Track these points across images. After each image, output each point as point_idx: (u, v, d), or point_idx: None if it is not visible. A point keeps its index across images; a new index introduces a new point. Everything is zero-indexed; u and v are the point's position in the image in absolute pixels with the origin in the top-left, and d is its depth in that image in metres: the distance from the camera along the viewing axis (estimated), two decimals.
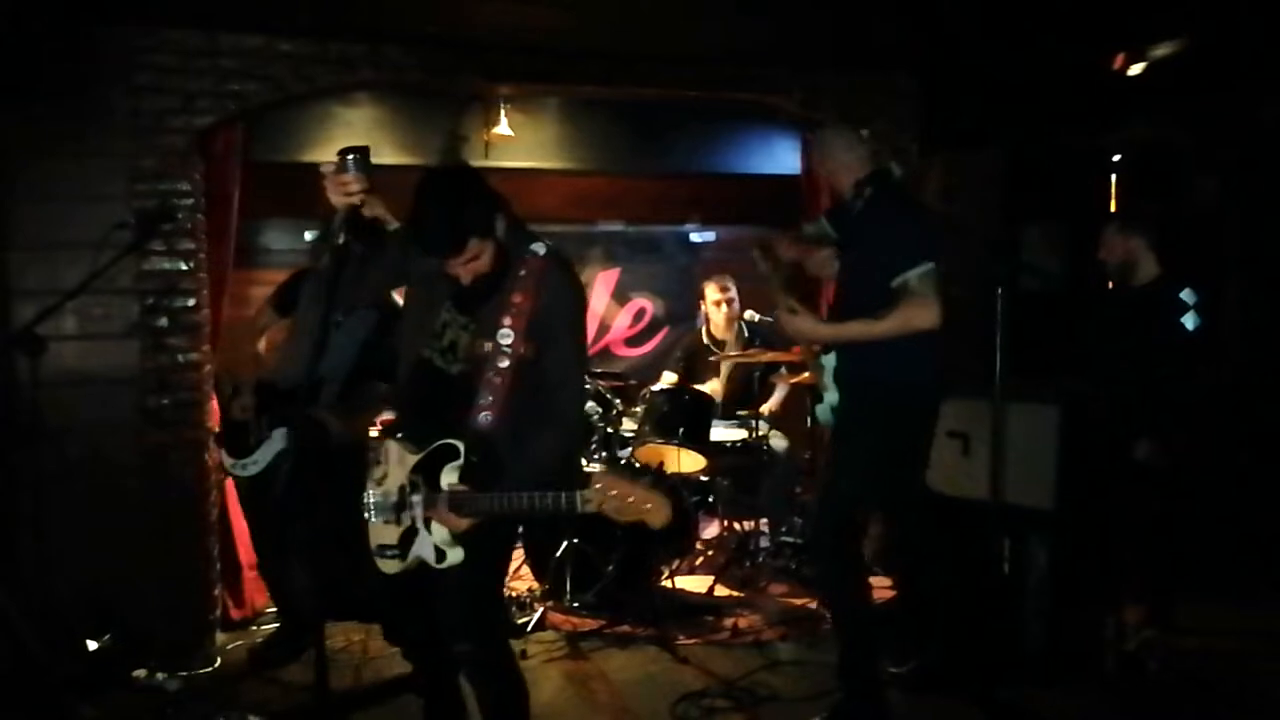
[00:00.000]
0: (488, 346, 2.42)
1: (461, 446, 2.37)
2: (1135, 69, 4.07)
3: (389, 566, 2.51)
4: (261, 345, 4.09)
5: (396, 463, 2.51)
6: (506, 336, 2.39)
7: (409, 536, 2.45)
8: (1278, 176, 4.59)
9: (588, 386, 4.74)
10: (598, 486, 2.17)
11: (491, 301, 2.45)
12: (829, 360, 3.35)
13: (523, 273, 2.42)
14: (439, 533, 2.40)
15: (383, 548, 2.52)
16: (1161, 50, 3.93)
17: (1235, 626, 4.18)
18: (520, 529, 4.48)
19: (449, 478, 2.37)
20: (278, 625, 4.11)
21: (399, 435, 2.54)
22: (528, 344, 2.40)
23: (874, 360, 3.06)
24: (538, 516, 2.50)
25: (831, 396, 3.32)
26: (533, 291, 2.40)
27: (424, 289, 2.60)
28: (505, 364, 2.39)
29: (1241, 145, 4.67)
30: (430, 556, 2.41)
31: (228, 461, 3.80)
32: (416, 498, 2.42)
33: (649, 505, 2.14)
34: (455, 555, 2.40)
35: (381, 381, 3.66)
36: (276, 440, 3.70)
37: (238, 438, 3.77)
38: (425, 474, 2.42)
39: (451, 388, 2.48)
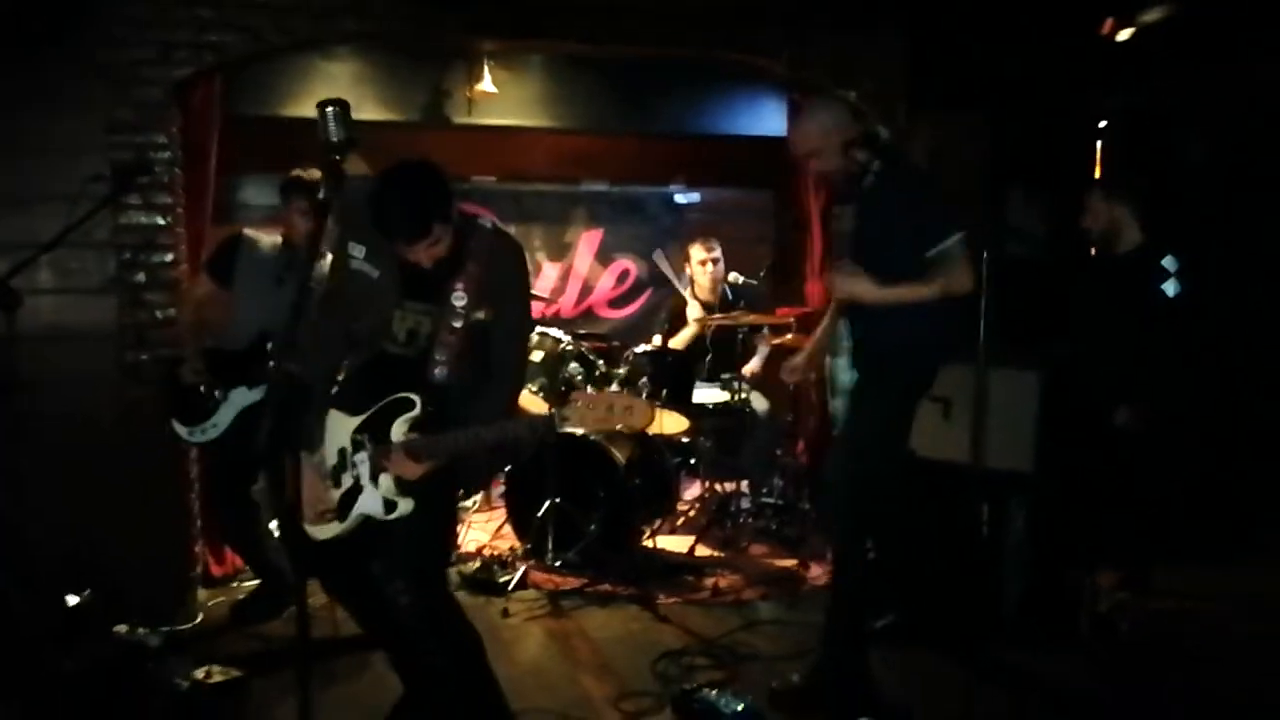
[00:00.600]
0: (442, 311, 2.53)
1: (416, 398, 2.48)
2: (1124, 34, 4.04)
3: (325, 532, 2.56)
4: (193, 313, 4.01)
5: (332, 429, 2.59)
6: (460, 299, 2.52)
7: (349, 497, 2.52)
8: (1264, 143, 4.60)
9: (569, 346, 4.73)
10: (577, 404, 2.30)
11: (439, 274, 2.55)
12: (841, 364, 3.37)
13: (472, 243, 2.56)
14: (385, 484, 2.49)
15: (319, 515, 2.57)
16: (1151, 15, 3.91)
17: (1210, 590, 4.25)
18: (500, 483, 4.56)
19: (400, 429, 2.48)
20: (258, 581, 4.11)
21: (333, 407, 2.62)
22: (484, 307, 2.54)
23: (899, 327, 3.08)
24: (509, 446, 2.64)
25: (845, 379, 3.33)
26: (485, 259, 2.55)
27: (363, 304, 2.61)
28: (459, 324, 2.52)
29: (1228, 112, 4.67)
30: (378, 510, 2.50)
31: (181, 430, 3.77)
32: (360, 455, 2.52)
33: (629, 406, 2.27)
34: (405, 505, 2.49)
35: None
36: (234, 401, 3.73)
37: (189, 404, 3.75)
38: (372, 432, 2.52)
39: (408, 363, 2.57)
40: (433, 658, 2.66)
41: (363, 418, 2.54)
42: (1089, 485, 3.83)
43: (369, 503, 2.52)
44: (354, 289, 2.59)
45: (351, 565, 2.67)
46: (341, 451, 2.57)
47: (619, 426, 2.31)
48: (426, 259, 2.50)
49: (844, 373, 3.39)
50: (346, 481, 2.55)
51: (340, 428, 2.58)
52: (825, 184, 3.19)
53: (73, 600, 3.67)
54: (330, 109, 2.12)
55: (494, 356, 2.58)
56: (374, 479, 2.52)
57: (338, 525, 2.55)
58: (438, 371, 2.52)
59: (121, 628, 3.68)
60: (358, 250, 2.57)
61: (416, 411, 2.48)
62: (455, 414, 2.50)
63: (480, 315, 2.54)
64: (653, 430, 4.70)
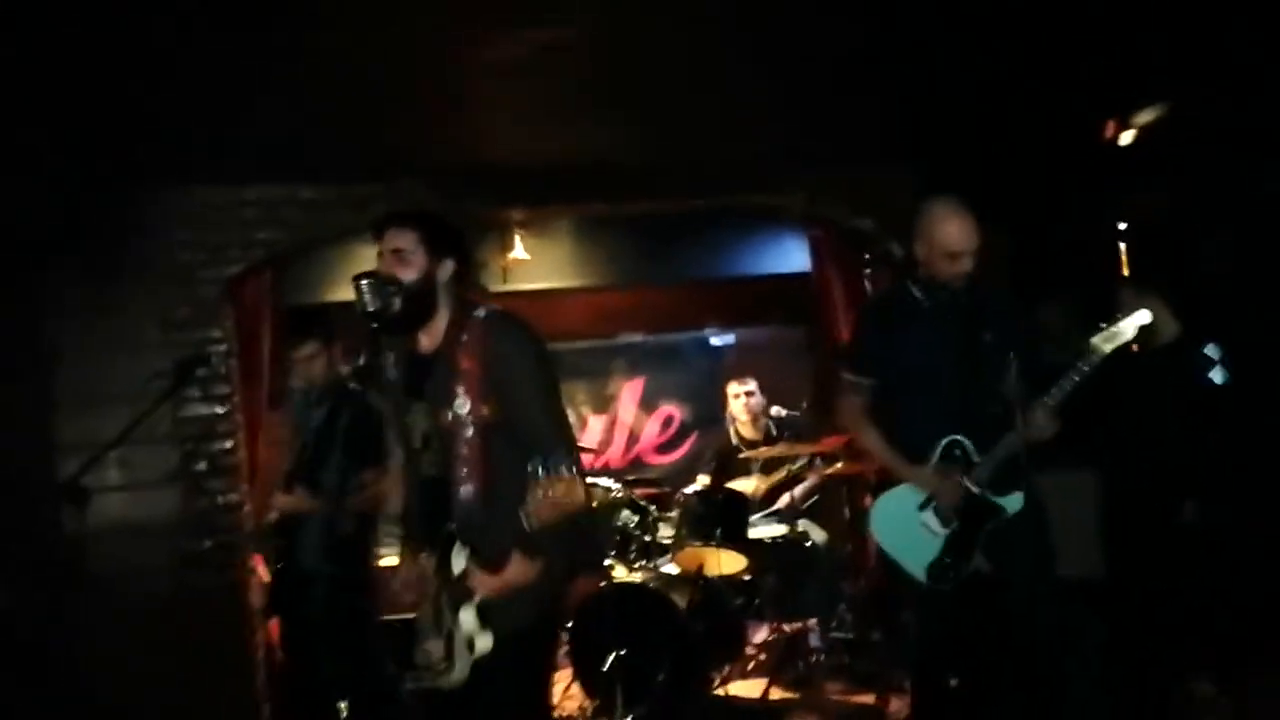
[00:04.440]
0: (448, 417, 2.39)
1: (454, 528, 2.36)
2: (1125, 137, 4.16)
3: (449, 679, 2.43)
4: None
5: (422, 577, 2.51)
6: (463, 405, 2.36)
7: (451, 641, 2.42)
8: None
9: (616, 487, 4.72)
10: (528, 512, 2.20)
11: (436, 372, 2.44)
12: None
13: (465, 338, 2.41)
14: (466, 621, 2.36)
15: (441, 664, 2.45)
16: (1146, 116, 4.03)
17: None
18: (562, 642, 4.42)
19: (459, 562, 2.37)
20: None
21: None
22: (484, 405, 2.36)
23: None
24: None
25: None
26: (478, 353, 2.38)
27: (390, 412, 2.61)
28: (470, 432, 2.36)
29: (1244, 204, 4.72)
30: (465, 651, 2.37)
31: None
32: (444, 598, 2.41)
33: (559, 487, 2.16)
34: (484, 641, 2.36)
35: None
36: None
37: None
38: (443, 574, 2.43)
39: (436, 492, 2.46)
40: None
41: (434, 559, 2.43)
42: (1166, 587, 3.70)
43: (462, 645, 2.38)
44: (388, 401, 2.55)
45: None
46: (435, 597, 2.46)
47: (561, 511, 2.19)
48: (394, 265, 2.38)
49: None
50: (446, 626, 2.43)
51: (425, 577, 2.48)
52: (959, 283, 3.15)
53: None
54: (365, 281, 2.26)
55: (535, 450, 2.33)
56: (457, 619, 2.38)
57: (454, 674, 2.41)
58: (463, 491, 2.37)
59: None
60: (389, 359, 2.51)
61: (458, 544, 2.36)
62: (503, 532, 2.31)
63: (485, 412, 2.35)
64: (711, 571, 4.66)
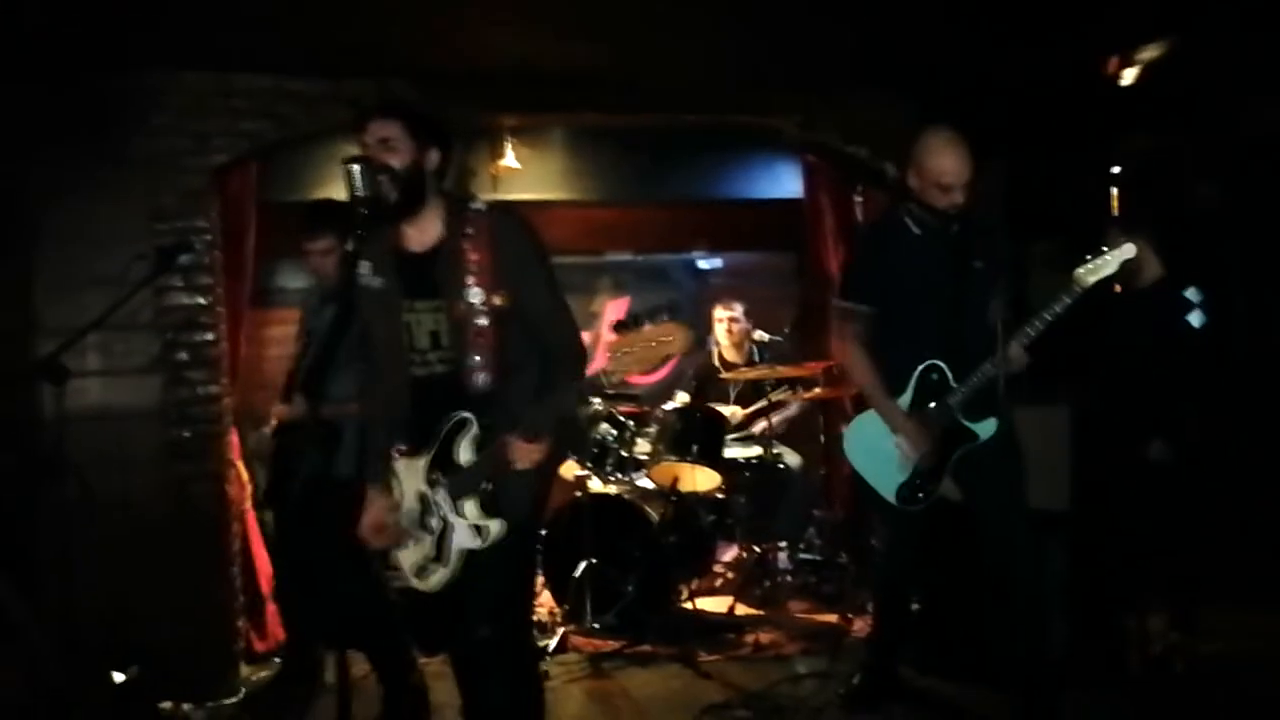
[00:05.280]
0: (461, 307, 2.41)
1: (469, 415, 2.39)
2: (1128, 75, 4.13)
3: (435, 579, 2.48)
4: None
5: (407, 477, 2.54)
6: (477, 295, 2.40)
7: (443, 538, 2.45)
8: (1273, 181, 4.63)
9: (595, 401, 4.73)
10: (617, 354, 2.29)
11: (441, 266, 2.44)
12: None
13: (470, 230, 2.43)
14: (471, 511, 2.40)
15: (422, 567, 2.51)
16: (1149, 52, 3.99)
17: (1257, 629, 4.14)
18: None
19: (466, 453, 2.40)
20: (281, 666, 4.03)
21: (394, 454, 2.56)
22: (500, 294, 2.41)
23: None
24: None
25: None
26: (487, 244, 2.41)
27: (377, 318, 2.55)
28: (484, 321, 2.40)
29: (1240, 149, 4.72)
30: (470, 541, 2.41)
31: None
32: (439, 493, 2.44)
33: (666, 334, 2.22)
34: (495, 526, 2.39)
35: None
36: None
37: None
38: (444, 467, 2.44)
39: (446, 382, 2.46)
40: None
41: (429, 456, 2.45)
42: (1129, 523, 3.79)
43: (462, 537, 2.42)
44: (367, 309, 2.53)
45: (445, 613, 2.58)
46: (421, 496, 2.49)
47: (665, 355, 2.24)
48: (378, 150, 2.36)
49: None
50: (435, 524, 2.46)
51: (411, 472, 2.51)
52: (951, 211, 3.15)
53: (119, 677, 3.71)
54: (355, 165, 2.23)
55: (548, 341, 2.47)
56: (458, 511, 2.42)
57: (444, 570, 2.46)
58: (479, 379, 2.41)
59: (166, 704, 3.73)
60: (364, 266, 2.48)
61: (475, 431, 2.40)
62: (516, 412, 2.38)
63: (498, 302, 2.40)
64: (685, 487, 4.72)
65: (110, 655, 3.72)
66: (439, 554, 2.47)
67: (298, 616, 3.81)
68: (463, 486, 2.41)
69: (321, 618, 3.67)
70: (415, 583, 2.53)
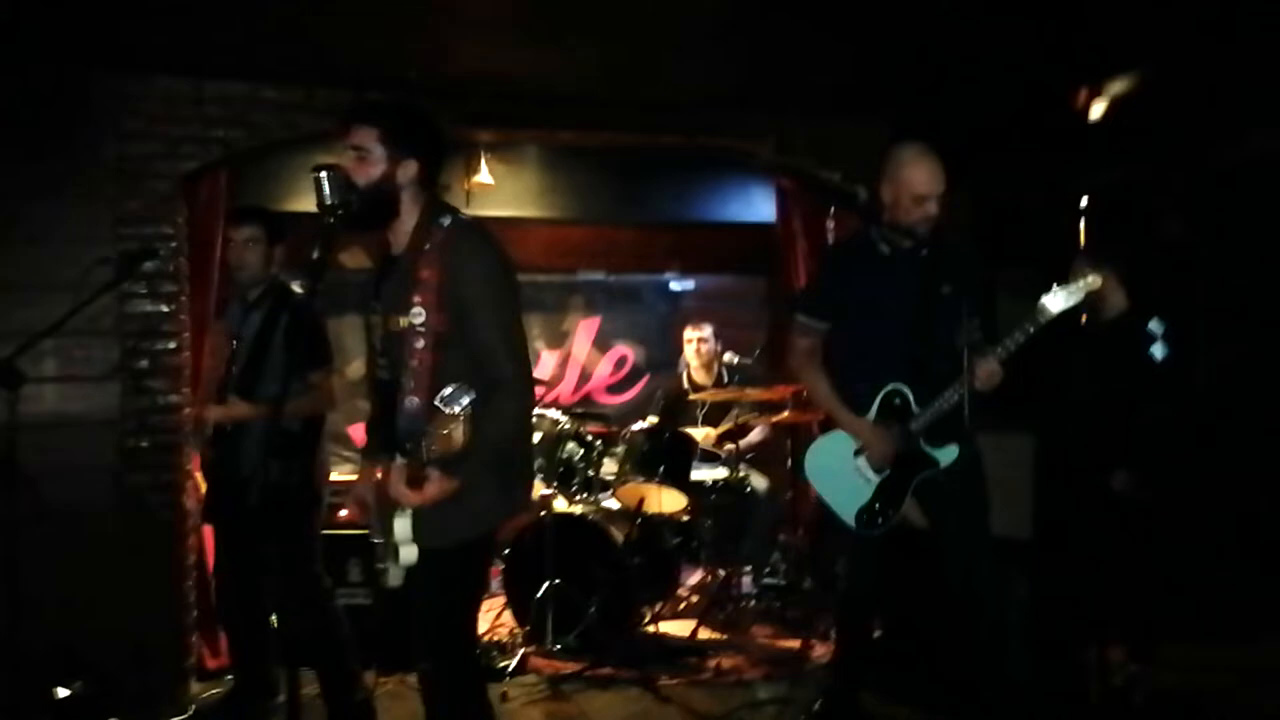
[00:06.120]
0: (401, 323, 2.34)
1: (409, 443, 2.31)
2: (1097, 109, 4.19)
3: (391, 577, 2.43)
4: None
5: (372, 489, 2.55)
6: (419, 315, 2.30)
7: (387, 546, 2.44)
8: (1244, 213, 4.70)
9: (566, 427, 4.73)
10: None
11: (395, 278, 2.40)
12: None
13: (427, 247, 2.35)
14: (399, 530, 2.35)
15: (381, 562, 2.48)
16: (1118, 86, 4.06)
17: (1215, 662, 4.15)
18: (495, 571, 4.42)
19: (399, 471, 2.34)
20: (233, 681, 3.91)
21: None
22: (439, 316, 2.30)
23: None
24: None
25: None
26: (438, 263, 2.31)
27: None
28: (421, 344, 2.30)
29: (1207, 183, 4.79)
30: (393, 557, 2.38)
31: None
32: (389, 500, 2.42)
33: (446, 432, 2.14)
34: (407, 553, 2.35)
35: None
36: None
37: None
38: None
39: (391, 397, 2.42)
40: None
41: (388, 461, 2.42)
42: (1090, 553, 3.80)
43: (400, 549, 2.37)
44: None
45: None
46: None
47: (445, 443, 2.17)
48: (355, 169, 2.33)
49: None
50: (388, 528, 2.41)
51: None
52: (924, 228, 3.16)
53: (63, 693, 3.61)
54: (325, 173, 2.21)
55: (486, 374, 2.31)
56: (391, 525, 2.37)
57: (396, 570, 2.41)
58: (408, 403, 2.31)
59: None
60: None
61: (403, 456, 2.30)
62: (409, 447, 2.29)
63: (437, 326, 2.30)
64: (651, 509, 4.70)
65: (55, 670, 3.64)
66: (385, 559, 2.45)
67: (244, 634, 3.75)
68: (391, 505, 2.38)
69: (269, 634, 3.64)
70: (380, 579, 2.49)
